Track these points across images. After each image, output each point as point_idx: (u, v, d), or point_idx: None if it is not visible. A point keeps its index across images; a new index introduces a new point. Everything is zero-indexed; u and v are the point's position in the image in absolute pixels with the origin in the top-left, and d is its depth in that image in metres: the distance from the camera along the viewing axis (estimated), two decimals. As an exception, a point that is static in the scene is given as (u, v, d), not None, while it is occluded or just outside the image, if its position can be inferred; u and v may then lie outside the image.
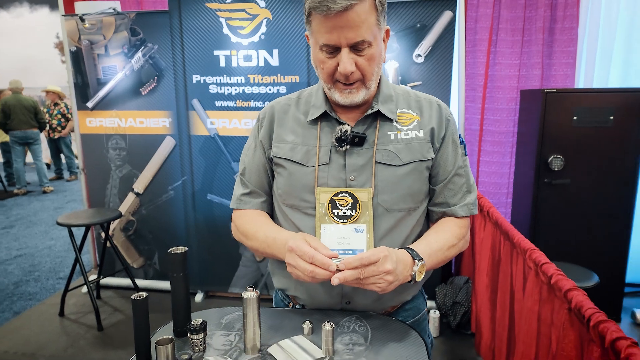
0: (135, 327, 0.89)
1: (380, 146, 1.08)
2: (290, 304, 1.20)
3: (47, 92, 7.51)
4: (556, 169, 2.84)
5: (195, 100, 3.12)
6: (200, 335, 0.91)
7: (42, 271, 4.14)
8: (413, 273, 0.98)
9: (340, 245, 1.05)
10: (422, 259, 1.00)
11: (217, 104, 3.09)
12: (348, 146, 1.07)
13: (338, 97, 1.05)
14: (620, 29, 3.19)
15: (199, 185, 3.23)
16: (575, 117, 2.79)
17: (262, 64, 2.99)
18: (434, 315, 2.85)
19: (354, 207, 1.06)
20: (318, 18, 0.96)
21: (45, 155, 8.15)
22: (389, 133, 1.09)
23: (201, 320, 0.93)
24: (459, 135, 1.18)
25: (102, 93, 3.26)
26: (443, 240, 1.10)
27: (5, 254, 4.60)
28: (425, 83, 2.88)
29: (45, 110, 7.53)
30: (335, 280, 0.91)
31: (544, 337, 1.74)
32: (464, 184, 1.15)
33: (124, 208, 3.40)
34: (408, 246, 1.05)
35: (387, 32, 1.06)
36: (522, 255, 1.99)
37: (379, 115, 1.10)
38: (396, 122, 1.10)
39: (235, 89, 3.05)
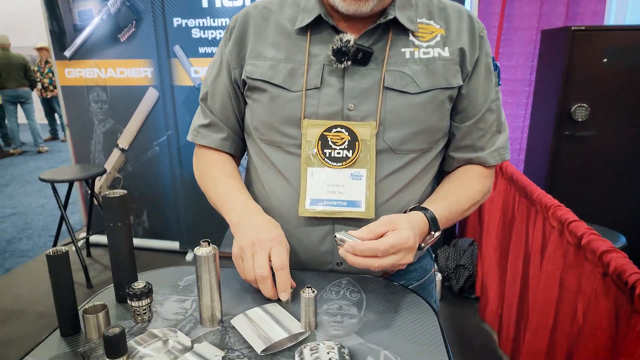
0: (54, 291, 0.67)
1: (392, 67, 0.83)
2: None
3: (39, 49, 7.22)
4: (580, 120, 2.57)
5: (177, 47, 2.84)
6: (144, 302, 0.70)
7: (35, 229, 4.04)
8: (423, 245, 0.80)
9: (331, 194, 0.83)
10: (438, 230, 0.80)
11: (201, 50, 2.80)
12: (349, 62, 0.82)
13: (339, 2, 0.79)
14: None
15: (184, 140, 3.00)
16: (605, 59, 2.48)
17: (248, 2, 2.68)
18: (436, 278, 2.66)
19: (351, 146, 0.82)
20: None
21: (40, 115, 7.91)
22: (403, 50, 0.84)
23: (144, 282, 0.71)
24: (492, 59, 0.92)
25: (79, 40, 2.99)
26: (465, 198, 0.88)
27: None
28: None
29: (36, 68, 7.27)
30: (343, 253, 0.72)
31: (567, 305, 1.53)
32: (495, 121, 0.90)
33: (109, 165, 3.19)
34: (427, 208, 0.82)
35: None
36: (542, 214, 1.76)
37: (391, 27, 0.84)
38: (414, 36, 0.85)
39: (220, 33, 2.75)
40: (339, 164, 0.83)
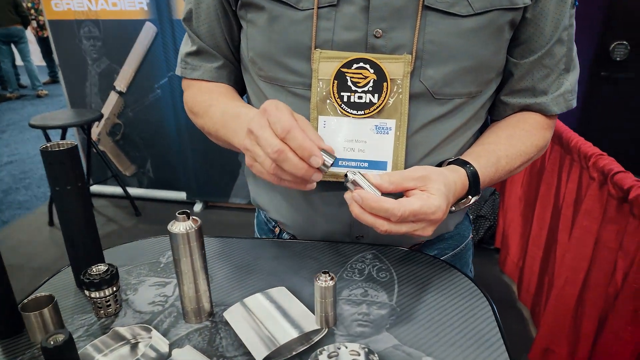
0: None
1: None
2: (277, 229, 0.83)
3: (31, -18, 6.82)
4: (618, 59, 2.31)
5: (175, -26, 2.56)
6: (106, 292, 0.55)
7: (33, 179, 3.90)
8: (454, 209, 0.64)
9: (349, 152, 0.65)
10: (478, 193, 0.64)
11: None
12: None
13: None
14: None
15: (187, 82, 2.77)
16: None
17: None
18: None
19: (377, 88, 0.64)
20: None
21: (38, 57, 7.62)
22: None
23: (106, 266, 0.56)
24: None
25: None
26: (517, 153, 0.70)
27: (-4, 161, 4.38)
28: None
29: (29, 4, 6.88)
30: (349, 199, 0.56)
31: (603, 263, 1.39)
32: (564, 56, 0.70)
33: (107, 109, 3.00)
34: (469, 163, 0.65)
35: None
36: (580, 163, 1.58)
37: None
38: None
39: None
40: (360, 112, 0.65)
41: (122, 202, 3.25)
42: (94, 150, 2.96)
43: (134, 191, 3.19)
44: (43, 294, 0.52)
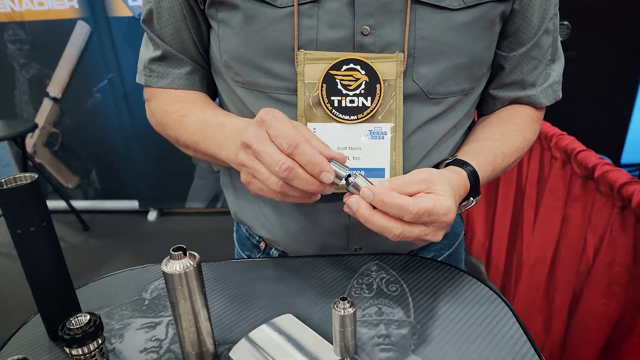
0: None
1: None
2: (262, 244, 0.77)
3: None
4: (561, 39, 2.39)
5: (107, -31, 2.38)
6: (90, 347, 0.47)
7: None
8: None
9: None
10: (479, 194, 0.62)
11: (139, -29, 2.37)
12: None
13: None
14: None
15: (131, 84, 2.61)
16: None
17: None
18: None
19: (369, 90, 0.59)
20: None
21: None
22: None
23: (87, 315, 0.48)
24: None
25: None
26: (511, 150, 0.67)
27: None
28: None
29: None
30: (353, 204, 0.50)
31: (571, 239, 1.43)
32: (550, 47, 0.68)
33: (41, 118, 2.77)
34: (468, 162, 0.61)
35: None
36: (540, 144, 1.61)
37: None
38: None
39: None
40: (352, 117, 0.60)
41: (68, 217, 3.02)
42: (31, 163, 2.73)
43: (79, 204, 2.98)
44: (16, 358, 0.43)
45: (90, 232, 2.87)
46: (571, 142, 1.43)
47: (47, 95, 2.71)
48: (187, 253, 0.45)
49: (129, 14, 2.45)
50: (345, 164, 0.53)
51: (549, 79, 0.69)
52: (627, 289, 1.18)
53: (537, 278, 1.64)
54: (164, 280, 0.61)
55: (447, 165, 0.63)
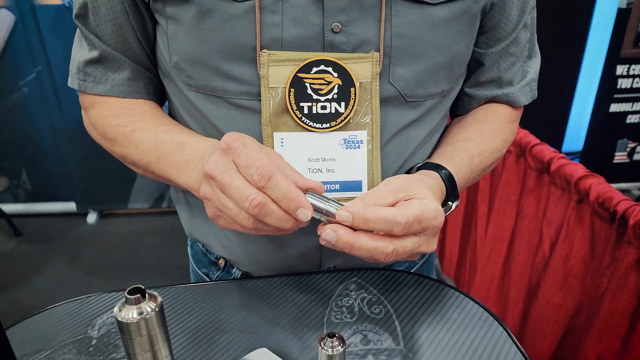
0: None
1: None
2: (221, 261, 0.70)
3: None
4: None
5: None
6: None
7: None
8: None
9: (316, 174, 0.55)
10: (457, 198, 0.57)
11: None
12: None
13: None
14: None
15: (61, 77, 2.40)
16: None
17: None
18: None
19: (343, 95, 0.53)
20: None
21: None
22: None
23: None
24: None
25: None
26: (489, 151, 0.64)
27: None
28: None
29: None
30: (330, 236, 0.43)
31: (526, 232, 1.46)
32: (528, 42, 0.65)
33: (-41, 115, 2.50)
34: (442, 166, 0.57)
35: None
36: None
37: None
38: None
39: None
40: (325, 124, 0.54)
41: (-4, 222, 2.77)
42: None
43: (9, 208, 2.72)
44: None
45: (22, 237, 2.64)
46: (525, 136, 1.45)
47: (-35, 89, 2.45)
48: (147, 294, 0.38)
49: (57, 1, 2.24)
50: (319, 180, 0.48)
51: (527, 77, 0.66)
52: (583, 281, 1.21)
53: (491, 270, 1.67)
54: (103, 321, 0.53)
55: (418, 169, 0.59)
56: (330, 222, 0.44)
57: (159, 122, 0.59)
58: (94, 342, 0.51)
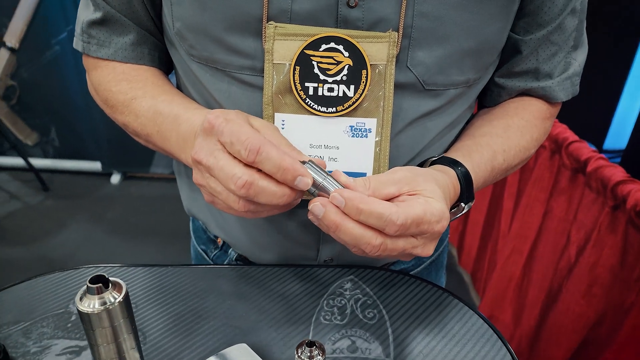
0: None
1: None
2: (220, 240, 0.67)
3: None
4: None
5: None
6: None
7: None
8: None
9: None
10: (472, 199, 0.51)
11: None
12: None
13: None
14: None
15: (94, 37, 2.39)
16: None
17: None
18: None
19: (353, 77, 0.48)
20: None
21: None
22: None
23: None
24: None
25: None
26: (516, 149, 0.57)
27: None
28: None
29: None
30: (318, 209, 0.40)
31: (553, 234, 1.38)
32: (575, 30, 0.57)
33: (-5, 69, 2.55)
34: (459, 162, 0.51)
35: None
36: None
37: None
38: None
39: None
40: (330, 108, 0.49)
41: (26, 175, 2.84)
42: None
43: (38, 162, 2.79)
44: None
45: (49, 192, 2.71)
46: (563, 131, 1.35)
47: (3, 44, 2.48)
48: (110, 283, 0.35)
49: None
50: (325, 167, 0.43)
51: (569, 69, 0.59)
52: (609, 292, 1.13)
53: (511, 269, 1.60)
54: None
55: (432, 163, 0.53)
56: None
57: (159, 90, 0.56)
58: (73, 317, 0.49)
